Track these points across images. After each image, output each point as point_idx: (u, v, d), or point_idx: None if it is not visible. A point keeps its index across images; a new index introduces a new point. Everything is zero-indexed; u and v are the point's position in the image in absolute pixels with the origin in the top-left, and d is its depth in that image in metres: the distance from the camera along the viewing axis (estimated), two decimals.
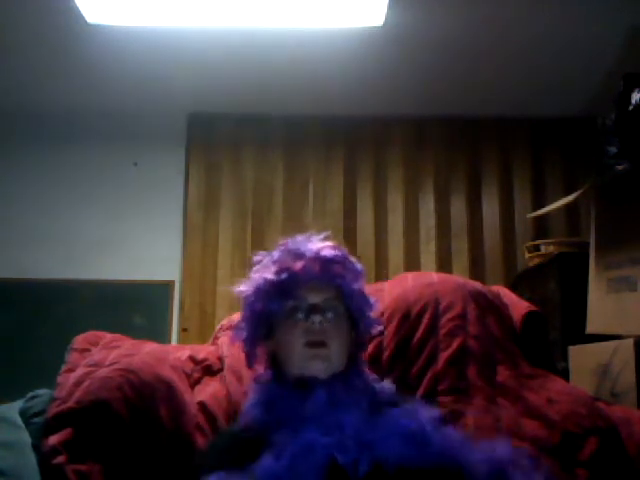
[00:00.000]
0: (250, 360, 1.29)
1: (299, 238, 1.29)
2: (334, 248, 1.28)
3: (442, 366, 1.48)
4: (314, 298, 1.22)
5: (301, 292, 1.23)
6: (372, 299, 1.31)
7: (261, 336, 1.27)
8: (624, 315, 2.03)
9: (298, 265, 1.24)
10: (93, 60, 3.03)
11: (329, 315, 1.22)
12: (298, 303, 1.22)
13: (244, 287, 1.29)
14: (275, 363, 1.26)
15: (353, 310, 1.27)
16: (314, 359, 1.18)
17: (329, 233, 1.30)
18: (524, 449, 1.22)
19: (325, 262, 1.25)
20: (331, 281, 1.25)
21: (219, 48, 2.92)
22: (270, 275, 1.25)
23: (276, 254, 1.28)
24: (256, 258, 1.31)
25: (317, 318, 1.19)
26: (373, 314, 1.31)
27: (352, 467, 1.03)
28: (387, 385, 1.27)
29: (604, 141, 2.25)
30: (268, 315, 1.25)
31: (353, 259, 1.30)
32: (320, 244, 1.27)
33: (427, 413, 1.12)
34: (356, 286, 1.27)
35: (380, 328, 1.36)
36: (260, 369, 1.30)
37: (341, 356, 1.22)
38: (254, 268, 1.30)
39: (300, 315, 1.21)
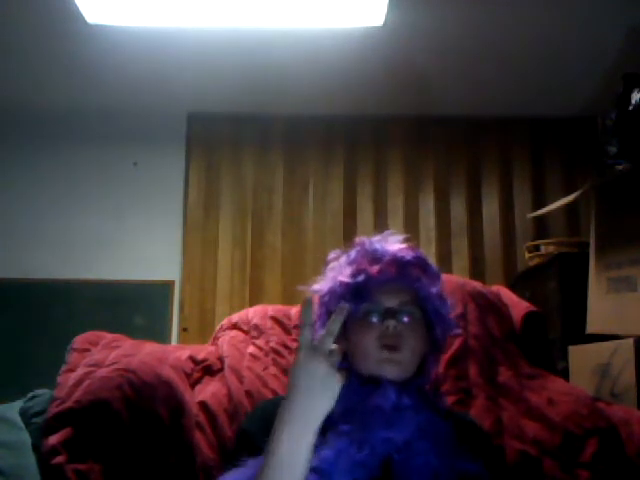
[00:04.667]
0: None
1: (376, 238, 1.26)
2: (411, 250, 1.25)
3: (444, 367, 1.49)
4: (390, 302, 1.20)
5: (376, 295, 1.20)
6: (450, 301, 1.28)
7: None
8: (624, 315, 2.03)
9: (374, 268, 1.21)
10: (93, 60, 3.03)
11: (404, 319, 1.19)
12: (373, 306, 1.20)
13: (319, 286, 1.26)
14: (347, 362, 1.24)
15: (430, 313, 1.24)
16: (387, 363, 1.16)
17: (408, 235, 1.28)
18: None
19: (402, 265, 1.22)
20: (408, 284, 1.22)
21: (219, 48, 2.93)
22: (345, 278, 1.22)
23: (352, 254, 1.25)
24: (330, 256, 1.28)
25: (392, 322, 1.17)
26: (451, 316, 1.28)
27: (402, 469, 1.05)
28: (443, 398, 1.27)
29: (604, 141, 2.25)
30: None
31: (430, 261, 1.27)
32: (397, 245, 1.25)
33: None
34: (433, 289, 1.24)
35: (458, 331, 1.33)
36: None
37: (414, 361, 1.20)
38: (329, 266, 1.27)
39: (375, 319, 1.19)
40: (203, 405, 1.43)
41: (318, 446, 1.02)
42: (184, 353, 1.58)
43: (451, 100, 3.42)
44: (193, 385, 1.50)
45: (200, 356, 1.58)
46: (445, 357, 1.50)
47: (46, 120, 3.57)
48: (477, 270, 3.42)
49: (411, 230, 3.49)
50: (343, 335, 1.23)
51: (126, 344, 1.59)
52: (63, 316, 3.32)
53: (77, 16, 2.60)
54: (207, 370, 1.55)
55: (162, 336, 3.28)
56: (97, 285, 3.41)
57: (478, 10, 2.66)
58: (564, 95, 3.34)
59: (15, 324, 3.34)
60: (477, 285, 1.71)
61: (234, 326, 1.71)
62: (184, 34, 2.81)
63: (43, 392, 1.47)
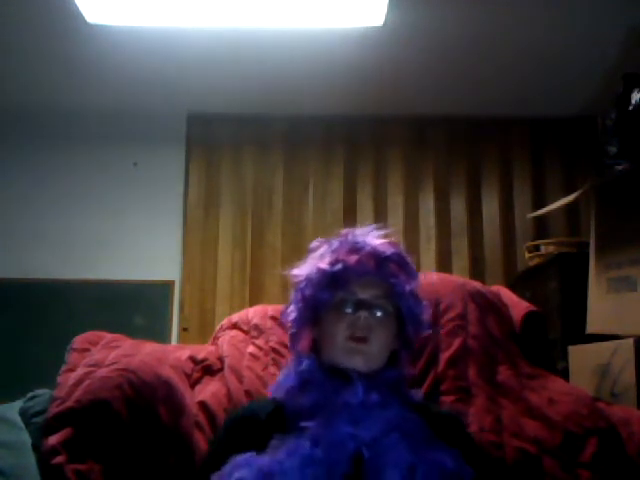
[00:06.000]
0: (294, 342, 1.29)
1: (360, 230, 1.28)
2: (392, 245, 1.27)
3: (443, 366, 1.49)
4: (364, 294, 1.22)
5: (352, 286, 1.22)
6: (424, 302, 1.29)
7: (308, 321, 1.27)
8: (624, 315, 2.03)
9: (353, 258, 1.23)
10: (93, 60, 3.03)
11: (376, 312, 1.21)
12: (347, 296, 1.22)
13: (298, 271, 1.28)
14: (316, 349, 1.26)
15: (402, 311, 1.25)
16: (354, 354, 1.18)
17: (392, 229, 1.30)
18: None
19: (381, 259, 1.24)
20: (384, 279, 1.24)
21: (219, 48, 2.93)
22: (324, 265, 1.24)
23: (334, 244, 1.27)
24: (314, 244, 1.30)
25: (364, 314, 1.19)
26: (424, 316, 1.30)
27: (374, 465, 1.05)
28: (416, 392, 1.27)
29: (604, 141, 2.25)
30: (317, 302, 1.24)
31: (409, 259, 1.29)
32: (379, 240, 1.26)
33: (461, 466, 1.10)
34: (409, 287, 1.25)
35: (429, 331, 1.34)
36: (304, 349, 1.29)
37: (382, 354, 1.22)
38: (311, 255, 1.28)
39: (348, 309, 1.21)
40: (203, 405, 1.43)
41: (278, 445, 1.04)
42: (184, 353, 1.58)
43: (451, 100, 3.42)
44: (193, 385, 1.50)
45: (200, 356, 1.58)
46: (444, 357, 1.50)
47: (46, 120, 3.57)
48: (477, 270, 3.42)
49: (411, 230, 3.49)
50: (315, 322, 1.25)
51: (126, 344, 1.59)
52: (63, 316, 3.32)
53: (77, 16, 2.60)
54: (207, 370, 1.55)
55: (162, 336, 3.28)
56: (97, 285, 3.41)
57: (478, 10, 2.66)
58: (564, 95, 3.34)
59: (15, 324, 3.34)
60: (477, 285, 1.71)
61: (234, 326, 1.71)
62: (184, 34, 2.81)
63: (43, 392, 1.47)
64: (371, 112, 3.54)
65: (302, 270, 1.27)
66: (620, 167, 2.16)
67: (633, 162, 2.13)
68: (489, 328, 1.58)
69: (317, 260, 1.26)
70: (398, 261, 1.26)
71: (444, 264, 3.42)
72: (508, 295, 1.76)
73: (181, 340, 3.32)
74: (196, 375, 1.53)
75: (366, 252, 1.24)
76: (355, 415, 1.11)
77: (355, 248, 1.25)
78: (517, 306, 1.70)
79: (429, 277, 1.70)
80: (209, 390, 1.47)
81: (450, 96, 3.38)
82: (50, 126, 3.58)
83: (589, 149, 3.34)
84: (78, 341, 1.62)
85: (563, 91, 3.30)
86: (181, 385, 1.46)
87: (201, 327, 3.34)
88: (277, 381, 1.26)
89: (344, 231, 1.28)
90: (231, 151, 3.58)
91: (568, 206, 2.84)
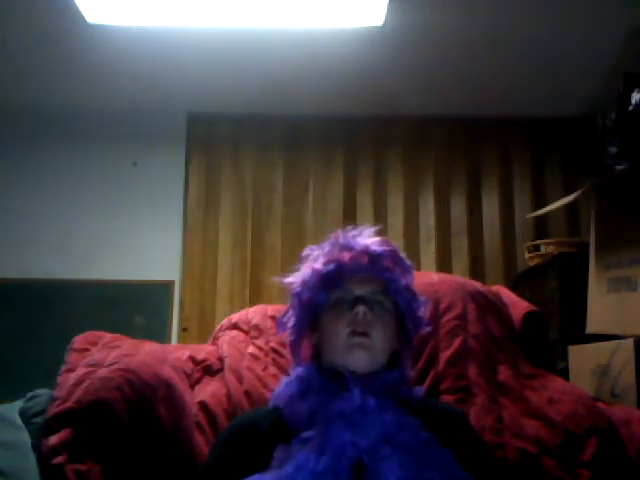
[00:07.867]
0: (294, 349, 1.28)
1: (350, 232, 1.28)
2: (384, 243, 1.27)
3: (443, 366, 1.49)
4: (360, 290, 1.22)
5: (347, 284, 1.22)
6: (423, 297, 1.29)
7: (307, 326, 1.27)
8: (624, 315, 2.03)
9: (346, 256, 1.24)
10: (93, 60, 3.03)
11: (374, 308, 1.21)
12: (344, 294, 1.22)
13: (292, 278, 1.28)
14: (317, 355, 1.26)
15: (400, 306, 1.25)
16: (356, 348, 1.17)
17: (380, 227, 1.30)
18: None
19: (374, 256, 1.24)
20: (379, 275, 1.24)
21: (219, 48, 2.93)
22: (318, 266, 1.24)
23: (326, 246, 1.28)
24: (305, 252, 1.30)
25: (362, 309, 1.18)
26: (422, 313, 1.29)
27: (375, 472, 1.04)
28: (418, 388, 1.26)
29: (604, 141, 2.25)
30: (314, 305, 1.24)
31: (403, 255, 1.29)
32: (370, 238, 1.27)
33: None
34: (404, 282, 1.25)
35: (428, 328, 1.34)
36: (306, 357, 1.28)
37: (384, 350, 1.21)
38: (304, 261, 1.29)
39: (345, 306, 1.20)
40: (203, 405, 1.43)
41: (283, 459, 1.04)
42: (184, 353, 1.58)
43: (451, 100, 3.42)
44: (193, 385, 1.50)
45: (200, 356, 1.58)
46: (445, 356, 1.50)
47: (46, 120, 3.56)
48: (477, 270, 3.42)
49: (411, 230, 3.49)
50: (315, 328, 1.25)
51: (126, 344, 1.59)
52: (63, 316, 3.32)
53: (77, 16, 2.60)
54: (207, 370, 1.55)
55: (162, 336, 3.28)
56: (97, 285, 3.41)
57: (478, 10, 2.66)
58: (564, 95, 3.34)
59: (15, 324, 3.33)
60: (477, 285, 1.71)
61: (234, 326, 1.71)
62: (184, 34, 2.81)
63: (43, 392, 1.47)
64: (371, 112, 3.54)
65: (297, 276, 1.27)
66: (620, 167, 2.16)
67: (633, 162, 2.12)
68: (489, 328, 1.58)
69: (311, 264, 1.27)
70: (392, 257, 1.27)
71: (444, 264, 3.42)
72: (508, 295, 1.77)
73: (181, 340, 3.31)
74: (196, 375, 1.53)
75: (359, 249, 1.24)
76: (353, 420, 1.10)
77: (348, 247, 1.25)
78: (517, 306, 1.71)
79: (429, 277, 1.71)
80: (209, 390, 1.47)
81: (450, 96, 3.38)
82: (50, 126, 3.58)
83: (589, 149, 3.34)
84: (78, 341, 1.61)
85: (563, 91, 3.30)
86: (181, 385, 1.46)
87: (201, 327, 3.34)
88: (277, 389, 1.25)
89: (335, 233, 1.29)
90: (231, 151, 3.58)
91: (568, 206, 2.84)
